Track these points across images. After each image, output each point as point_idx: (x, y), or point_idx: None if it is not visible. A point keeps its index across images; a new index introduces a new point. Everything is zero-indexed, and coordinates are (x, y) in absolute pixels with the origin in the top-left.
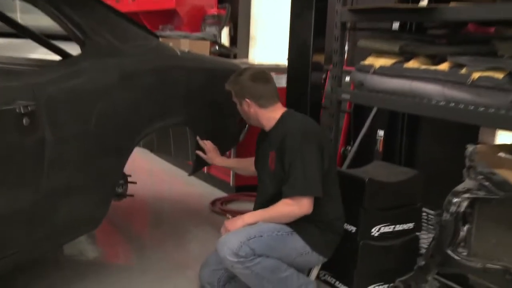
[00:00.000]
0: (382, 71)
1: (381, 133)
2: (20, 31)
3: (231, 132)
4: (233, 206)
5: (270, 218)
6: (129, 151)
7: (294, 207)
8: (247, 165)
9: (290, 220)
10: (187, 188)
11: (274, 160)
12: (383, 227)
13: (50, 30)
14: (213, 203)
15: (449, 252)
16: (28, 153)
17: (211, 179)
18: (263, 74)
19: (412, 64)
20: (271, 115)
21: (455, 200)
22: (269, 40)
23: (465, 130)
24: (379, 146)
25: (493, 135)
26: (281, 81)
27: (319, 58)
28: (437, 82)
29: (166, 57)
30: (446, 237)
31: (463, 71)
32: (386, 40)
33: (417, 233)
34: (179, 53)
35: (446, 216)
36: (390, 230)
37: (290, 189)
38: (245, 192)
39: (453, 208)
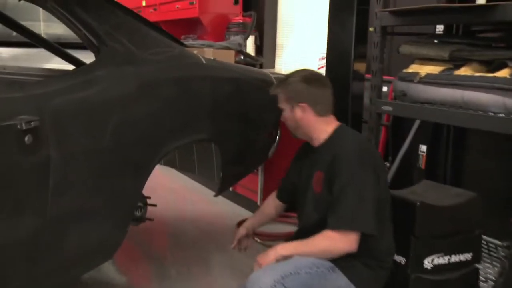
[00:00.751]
0: (429, 80)
1: (423, 148)
2: (34, 40)
3: (260, 147)
4: (260, 227)
5: (308, 252)
6: (149, 171)
7: (338, 242)
8: (267, 214)
9: (331, 257)
10: (212, 207)
11: (321, 181)
12: (437, 258)
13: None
14: (239, 224)
15: None
16: (30, 175)
17: (237, 198)
18: (319, 76)
19: (464, 71)
20: (324, 127)
21: None
22: (297, 48)
23: None
24: (422, 163)
25: None
26: None
27: (361, 66)
28: (496, 91)
29: (190, 66)
30: None
31: None
32: (434, 45)
33: (476, 265)
34: (204, 61)
35: None
36: (445, 261)
37: (337, 221)
38: None
39: None
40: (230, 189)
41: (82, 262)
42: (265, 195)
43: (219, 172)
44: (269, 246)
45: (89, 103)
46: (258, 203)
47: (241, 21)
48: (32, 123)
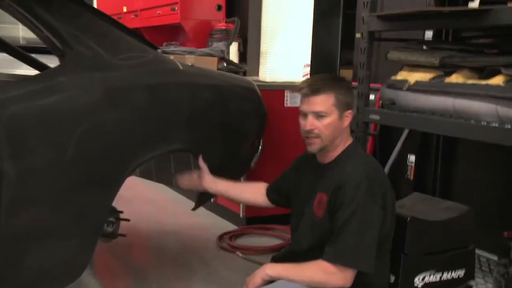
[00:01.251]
0: (419, 88)
1: (412, 158)
2: None
3: (242, 157)
4: (243, 241)
5: (297, 280)
6: (118, 184)
7: (333, 277)
8: (243, 192)
9: None
10: (192, 219)
11: (324, 206)
12: (428, 276)
13: None
14: (221, 237)
15: None
16: None
17: (218, 209)
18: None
19: (455, 78)
20: (342, 141)
21: None
22: (282, 55)
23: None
24: (410, 174)
25: None
26: (298, 100)
27: (347, 73)
28: (489, 99)
29: (165, 72)
30: None
31: None
32: (423, 52)
33: (470, 282)
34: (181, 66)
35: None
36: (437, 279)
37: (336, 254)
38: (257, 224)
39: None
40: (212, 200)
41: (44, 285)
42: (247, 208)
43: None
44: (252, 261)
45: (50, 112)
46: (241, 215)
47: (224, 27)
48: None
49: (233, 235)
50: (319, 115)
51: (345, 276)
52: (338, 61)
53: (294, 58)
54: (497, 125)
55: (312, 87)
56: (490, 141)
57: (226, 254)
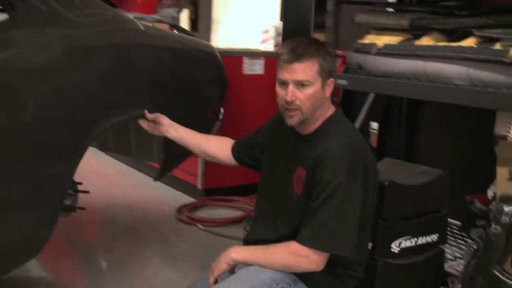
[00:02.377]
0: (388, 51)
1: (374, 125)
2: None
3: (203, 125)
4: (203, 213)
5: (265, 264)
6: (81, 152)
7: (304, 261)
8: (206, 143)
9: (293, 272)
10: (148, 193)
11: (303, 182)
12: (404, 241)
13: None
14: (179, 210)
15: (497, 273)
16: None
17: (175, 182)
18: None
19: (426, 41)
20: (322, 112)
21: (508, 209)
22: (235, 23)
23: (475, 120)
24: (373, 141)
25: (509, 126)
26: (256, 67)
27: (321, 36)
28: (461, 61)
29: (126, 32)
30: (494, 255)
31: (497, 46)
32: (392, 14)
33: (442, 246)
34: (142, 27)
35: (495, 228)
36: (412, 244)
37: (310, 236)
38: (216, 196)
39: (505, 219)
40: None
41: (1, 261)
42: (206, 179)
43: (160, 153)
44: (213, 233)
45: (4, 69)
46: (199, 186)
47: None
48: None
49: (192, 207)
50: (301, 84)
51: (318, 260)
52: (312, 23)
53: (249, 25)
54: (469, 87)
55: (294, 52)
56: (461, 103)
57: (185, 227)
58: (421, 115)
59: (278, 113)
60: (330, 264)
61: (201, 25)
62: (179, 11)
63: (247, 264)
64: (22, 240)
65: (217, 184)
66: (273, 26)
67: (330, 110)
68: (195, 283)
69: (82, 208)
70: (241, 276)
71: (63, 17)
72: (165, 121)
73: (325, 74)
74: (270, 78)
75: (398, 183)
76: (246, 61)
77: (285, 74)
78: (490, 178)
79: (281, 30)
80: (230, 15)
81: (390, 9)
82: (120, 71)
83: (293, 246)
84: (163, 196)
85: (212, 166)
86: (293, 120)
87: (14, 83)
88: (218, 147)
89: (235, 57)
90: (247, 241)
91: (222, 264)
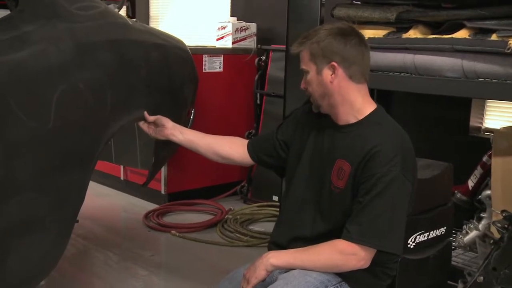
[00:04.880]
0: (373, 44)
1: None
2: None
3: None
4: (170, 218)
5: (311, 266)
6: (95, 160)
7: (353, 259)
8: (218, 142)
9: (336, 272)
10: (109, 202)
11: (346, 175)
12: (418, 236)
13: None
14: (146, 216)
15: None
16: None
17: (129, 187)
18: (355, 31)
19: (413, 34)
20: (358, 99)
21: None
22: (178, 19)
23: (447, 111)
24: None
25: (481, 118)
26: (216, 65)
27: None
28: (453, 53)
29: (120, 27)
30: None
31: (494, 37)
32: (377, 7)
33: (450, 239)
34: (130, 21)
35: None
36: (425, 238)
37: (361, 234)
38: (179, 200)
39: None
40: (122, 177)
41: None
42: (169, 184)
43: (143, 157)
44: (188, 238)
45: (26, 70)
46: (162, 191)
47: None
48: None
49: (160, 213)
50: (305, 72)
51: (366, 257)
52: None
53: (193, 21)
54: (463, 79)
55: (294, 44)
56: (457, 95)
57: (157, 234)
58: (393, 108)
59: (302, 106)
60: (370, 264)
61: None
62: (119, 7)
63: (286, 269)
64: (41, 260)
65: (180, 188)
66: (229, 22)
67: (369, 104)
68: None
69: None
70: (289, 281)
71: (65, 9)
72: (168, 123)
73: (318, 58)
74: (229, 75)
75: None
76: (206, 58)
77: None
78: (466, 169)
79: (238, 26)
80: (171, 11)
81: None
82: (121, 68)
83: (340, 245)
84: (125, 204)
85: (174, 170)
86: (313, 107)
87: (39, 84)
88: (230, 147)
89: (196, 54)
90: (277, 244)
91: (260, 271)
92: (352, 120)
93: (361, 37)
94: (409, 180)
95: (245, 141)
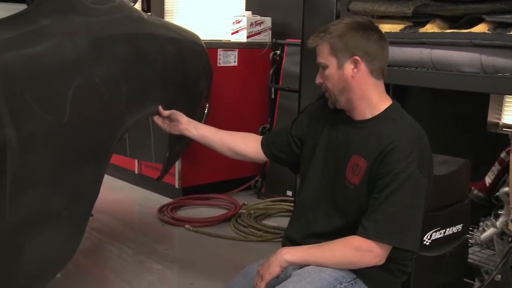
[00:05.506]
0: (390, 39)
1: None
2: None
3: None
4: (184, 212)
5: (327, 262)
6: (110, 154)
7: (368, 255)
8: (232, 137)
9: (351, 268)
10: (124, 195)
11: (362, 171)
12: (434, 233)
13: None
14: (161, 210)
15: None
16: None
17: (143, 181)
18: (374, 26)
19: (431, 28)
20: (375, 96)
21: None
22: (193, 14)
23: (465, 107)
24: None
25: (499, 114)
26: (231, 59)
27: None
28: (472, 48)
29: (135, 21)
30: None
31: None
32: (393, 1)
33: (467, 236)
34: (145, 15)
35: None
36: (441, 235)
37: (377, 230)
38: (193, 194)
39: None
40: (136, 171)
41: (35, 281)
42: (184, 178)
43: (157, 151)
44: (201, 233)
45: (42, 63)
46: (176, 185)
47: None
48: None
49: (174, 207)
50: (322, 67)
51: (382, 253)
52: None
53: (209, 15)
54: (482, 74)
55: (312, 37)
56: (474, 90)
57: (171, 228)
58: (408, 103)
59: (315, 102)
60: (385, 261)
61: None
62: (135, 1)
63: (300, 265)
64: (56, 253)
65: (194, 182)
66: (244, 16)
67: (385, 99)
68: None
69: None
70: (303, 277)
71: (81, 3)
72: (183, 118)
73: (340, 52)
74: (243, 69)
75: None
76: (221, 53)
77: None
78: (484, 165)
79: (253, 20)
80: (185, 5)
81: None
82: (136, 62)
83: (355, 241)
84: (140, 198)
85: (189, 164)
86: (329, 102)
87: (55, 78)
88: (244, 143)
89: (211, 49)
90: (291, 239)
91: (274, 267)
92: (368, 115)
93: (380, 32)
94: (426, 176)
95: (259, 137)
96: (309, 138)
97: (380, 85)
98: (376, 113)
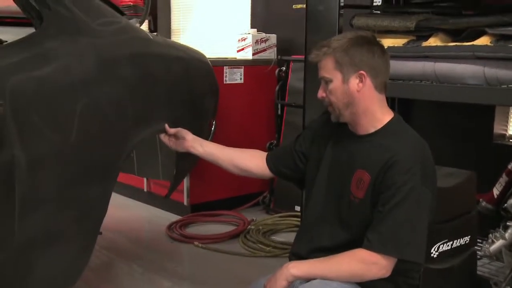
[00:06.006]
0: (393, 53)
1: None
2: None
3: (204, 137)
4: (193, 229)
5: (332, 276)
6: (116, 173)
7: (374, 268)
8: (238, 154)
9: (357, 281)
10: (133, 213)
11: (366, 185)
12: (441, 245)
13: None
14: (170, 228)
15: None
16: None
17: (152, 199)
18: (376, 40)
19: (434, 42)
20: (379, 110)
21: None
22: (199, 32)
23: (469, 119)
24: None
25: (506, 125)
26: (236, 77)
27: None
28: (475, 60)
29: (141, 41)
30: None
31: None
32: (396, 16)
33: (475, 248)
34: (151, 36)
35: None
36: (449, 247)
37: (381, 242)
38: (202, 211)
39: None
40: (145, 189)
41: None
42: (192, 195)
43: (165, 168)
44: (211, 249)
45: (49, 85)
46: (185, 203)
47: (132, 3)
48: None
49: (182, 224)
50: (326, 81)
51: (387, 265)
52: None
53: (215, 33)
54: (485, 86)
55: (315, 51)
56: (479, 102)
57: (181, 245)
58: (414, 117)
59: (319, 117)
60: (392, 274)
61: (160, 36)
62: (142, 21)
63: (307, 279)
64: (65, 271)
65: (203, 199)
66: (250, 34)
67: (387, 113)
68: None
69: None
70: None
71: (87, 25)
72: (189, 136)
73: (345, 66)
74: (249, 86)
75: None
76: (226, 70)
77: (318, 72)
78: (491, 177)
79: (258, 38)
80: (193, 24)
81: (377, 12)
82: (142, 82)
83: (360, 254)
84: (149, 215)
85: (197, 181)
86: (332, 116)
87: (62, 99)
88: (250, 160)
89: (217, 66)
90: (297, 255)
91: (281, 282)
92: (371, 129)
93: (382, 46)
94: (429, 188)
95: (264, 154)
96: (313, 154)
97: (383, 99)
98: (379, 126)
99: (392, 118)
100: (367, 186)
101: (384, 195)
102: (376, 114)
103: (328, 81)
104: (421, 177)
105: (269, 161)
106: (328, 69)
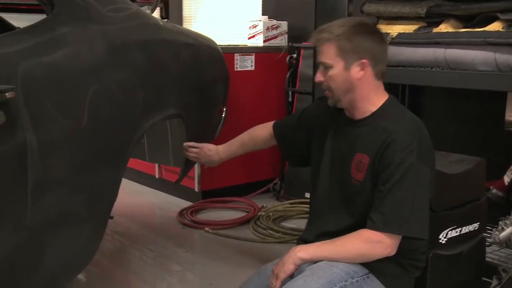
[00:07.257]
0: (403, 40)
1: None
2: None
3: (213, 126)
4: (204, 215)
5: (337, 257)
6: (127, 158)
7: (378, 247)
8: (254, 139)
9: (364, 261)
10: (144, 199)
11: (365, 167)
12: (450, 231)
13: None
14: (181, 214)
15: None
16: (3, 170)
17: (164, 185)
18: (376, 28)
19: (444, 28)
20: (375, 95)
21: None
22: (210, 20)
23: (481, 106)
24: None
25: None
26: (247, 64)
27: None
28: (486, 46)
29: (152, 27)
30: None
31: None
32: (407, 2)
33: (485, 235)
34: (160, 22)
35: None
36: (457, 234)
37: (384, 221)
38: (213, 197)
39: None
40: (156, 176)
41: (58, 279)
42: (203, 182)
43: (175, 154)
44: (221, 235)
45: (60, 70)
46: (196, 189)
47: None
48: (6, 94)
49: (194, 211)
50: (325, 66)
51: (392, 244)
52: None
53: (226, 21)
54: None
55: (317, 35)
56: (490, 88)
57: (192, 231)
58: (425, 104)
59: (315, 105)
60: (397, 255)
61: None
62: (153, 8)
63: (313, 262)
64: (77, 254)
65: (213, 186)
66: (261, 21)
67: (382, 95)
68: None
69: (110, 217)
70: (315, 272)
71: (98, 12)
72: (211, 147)
73: (348, 54)
74: (260, 73)
75: (444, 172)
76: (237, 57)
77: (317, 56)
78: (502, 164)
79: (269, 25)
80: (202, 12)
81: None
82: (152, 68)
83: (365, 234)
84: (160, 201)
85: (208, 168)
86: (329, 101)
87: (73, 84)
88: (263, 137)
89: (227, 53)
90: (304, 240)
91: (288, 265)
92: (367, 113)
93: (382, 34)
94: (427, 165)
95: (265, 125)
96: (314, 144)
97: (380, 85)
98: (374, 109)
99: (386, 100)
100: (367, 168)
101: (383, 174)
102: (373, 100)
103: (328, 67)
104: (419, 154)
105: (275, 131)
106: (330, 55)
